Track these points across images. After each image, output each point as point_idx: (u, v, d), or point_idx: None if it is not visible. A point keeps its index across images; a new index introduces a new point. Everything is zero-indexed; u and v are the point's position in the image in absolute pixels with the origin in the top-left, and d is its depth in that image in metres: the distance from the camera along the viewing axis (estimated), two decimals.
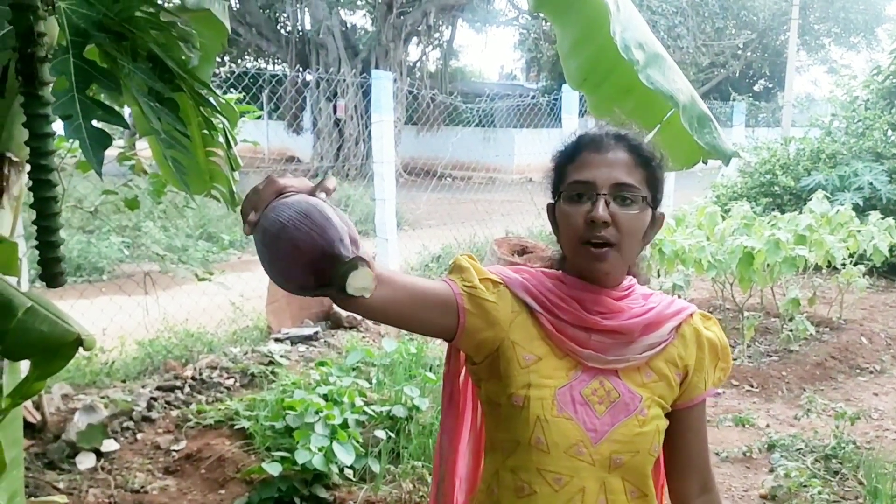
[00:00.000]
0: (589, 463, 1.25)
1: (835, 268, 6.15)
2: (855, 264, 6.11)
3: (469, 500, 1.43)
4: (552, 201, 1.34)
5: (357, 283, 0.97)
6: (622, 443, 1.26)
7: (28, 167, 1.35)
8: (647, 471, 1.31)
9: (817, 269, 6.37)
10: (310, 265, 1.00)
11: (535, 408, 1.24)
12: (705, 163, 1.93)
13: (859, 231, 6.21)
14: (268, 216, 1.00)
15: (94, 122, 1.26)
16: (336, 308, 5.93)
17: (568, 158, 1.30)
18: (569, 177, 1.28)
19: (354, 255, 1.01)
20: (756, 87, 28.17)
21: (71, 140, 2.74)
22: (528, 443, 1.25)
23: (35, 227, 1.35)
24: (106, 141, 1.24)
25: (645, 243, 1.31)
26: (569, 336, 1.27)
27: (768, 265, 5.33)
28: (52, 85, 1.33)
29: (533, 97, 11.24)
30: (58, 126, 1.35)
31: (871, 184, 8.68)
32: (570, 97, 8.29)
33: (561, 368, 1.26)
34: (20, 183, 1.57)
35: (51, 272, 1.37)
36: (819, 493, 3.40)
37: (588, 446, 1.24)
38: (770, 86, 28.71)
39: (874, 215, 6.63)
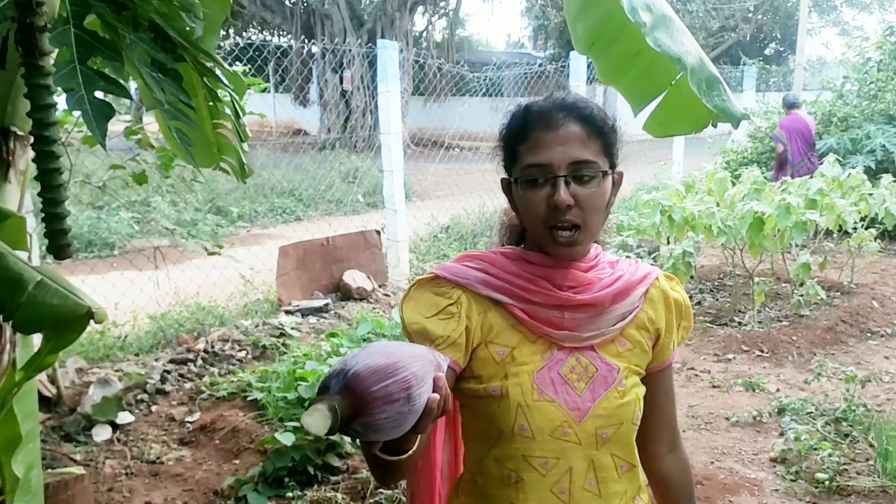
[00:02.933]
0: (575, 442, 1.23)
1: (846, 232, 6.12)
2: (866, 228, 6.06)
3: (453, 490, 1.40)
4: (506, 177, 1.29)
5: (311, 422, 0.88)
6: (605, 417, 1.24)
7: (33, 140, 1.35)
8: (632, 441, 1.30)
9: (828, 233, 6.34)
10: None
11: (514, 395, 1.21)
12: (714, 126, 1.90)
13: (871, 194, 6.15)
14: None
15: (97, 94, 1.25)
16: (346, 279, 5.95)
17: (518, 137, 1.24)
18: (523, 159, 1.22)
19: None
20: (767, 51, 27.80)
21: (77, 114, 2.74)
22: (511, 431, 1.22)
23: (41, 200, 1.35)
24: (109, 112, 1.23)
25: (609, 211, 1.28)
26: (542, 320, 1.24)
27: (779, 230, 5.30)
28: (53, 56, 1.32)
29: (540, 65, 11.15)
30: (62, 102, 1.34)
31: (883, 146, 8.58)
32: (577, 65, 8.20)
33: (536, 352, 1.24)
34: (26, 157, 1.57)
35: (57, 244, 1.37)
36: (829, 455, 3.41)
37: (573, 426, 1.22)
38: (781, 49, 28.31)
39: (886, 178, 6.56)
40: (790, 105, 8.47)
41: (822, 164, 6.89)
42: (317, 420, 0.88)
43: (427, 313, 1.23)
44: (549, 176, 1.19)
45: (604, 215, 1.26)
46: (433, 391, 0.95)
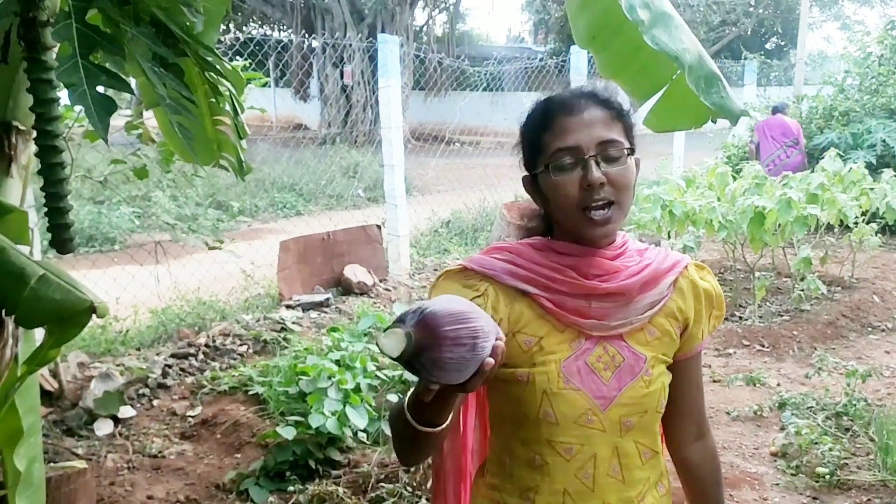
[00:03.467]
0: (600, 430, 1.24)
1: (847, 226, 6.12)
2: (867, 223, 6.06)
3: (478, 470, 1.43)
4: (527, 173, 1.31)
5: (386, 344, 0.95)
6: (630, 405, 1.25)
7: (35, 135, 1.35)
8: (656, 428, 1.32)
9: (829, 228, 6.34)
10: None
11: (540, 382, 1.23)
12: (714, 122, 1.90)
13: (872, 189, 6.16)
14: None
15: (99, 89, 1.25)
16: (346, 274, 5.96)
17: (542, 127, 1.26)
18: (550, 146, 1.24)
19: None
20: (768, 45, 27.72)
21: (78, 109, 2.73)
22: (536, 416, 1.24)
23: (43, 195, 1.35)
24: (111, 107, 1.23)
25: (634, 192, 1.30)
26: (569, 309, 1.25)
27: (780, 225, 5.30)
28: (55, 51, 1.32)
29: (541, 60, 11.12)
30: (65, 96, 1.34)
31: (884, 141, 8.59)
32: (578, 59, 8.19)
33: (564, 341, 1.25)
34: (28, 152, 1.57)
35: (60, 238, 1.37)
36: (830, 449, 3.42)
37: (598, 413, 1.24)
38: (782, 43, 28.23)
39: (887, 173, 6.56)
40: (774, 110, 9.17)
41: (821, 159, 6.89)
42: (393, 342, 0.95)
43: (463, 291, 1.24)
44: (580, 157, 1.21)
45: (632, 194, 1.27)
46: (491, 355, 0.99)
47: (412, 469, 3.22)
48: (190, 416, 3.84)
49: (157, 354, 4.49)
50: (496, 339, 1.00)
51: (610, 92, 1.28)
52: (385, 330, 0.96)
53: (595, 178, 1.20)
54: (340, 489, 3.12)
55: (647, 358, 1.27)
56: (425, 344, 0.95)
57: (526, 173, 1.32)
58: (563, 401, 1.23)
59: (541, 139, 1.26)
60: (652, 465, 1.31)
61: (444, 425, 1.08)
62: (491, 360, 0.98)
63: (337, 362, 3.62)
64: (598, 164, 1.21)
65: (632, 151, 1.26)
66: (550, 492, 1.26)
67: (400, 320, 0.98)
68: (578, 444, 1.24)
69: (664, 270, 1.31)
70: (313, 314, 5.38)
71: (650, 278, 1.28)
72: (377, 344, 0.96)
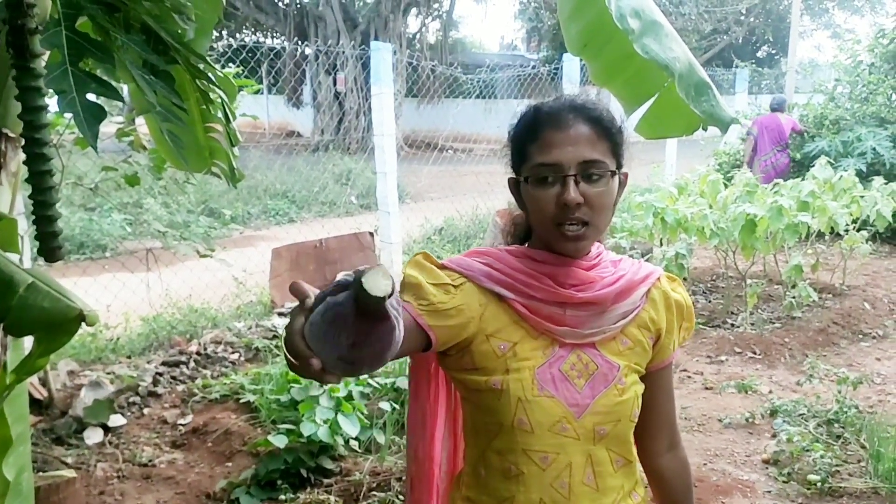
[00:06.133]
0: (574, 438, 1.25)
1: (838, 234, 6.14)
2: (858, 230, 6.09)
3: (452, 482, 1.42)
4: (513, 176, 1.31)
5: (373, 282, 0.84)
6: (604, 414, 1.26)
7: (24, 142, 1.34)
8: (629, 437, 1.32)
9: (820, 235, 6.36)
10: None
11: (514, 390, 1.23)
12: (705, 129, 1.91)
13: (862, 197, 6.19)
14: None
15: (89, 96, 1.24)
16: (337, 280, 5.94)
17: (529, 137, 1.26)
18: (532, 158, 1.24)
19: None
20: (759, 54, 27.88)
21: (69, 116, 2.72)
22: (510, 425, 1.24)
23: (32, 202, 1.34)
24: (100, 114, 1.23)
25: (614, 210, 1.30)
26: (543, 316, 1.25)
27: (771, 232, 5.32)
28: (45, 58, 1.32)
29: (534, 67, 11.16)
30: (53, 104, 1.34)
31: (874, 149, 8.64)
32: (571, 66, 8.22)
33: (538, 348, 1.25)
34: (18, 159, 1.56)
35: (49, 246, 1.36)
36: (821, 457, 3.42)
37: (571, 421, 1.24)
38: (773, 52, 28.41)
39: (877, 181, 6.60)
40: (773, 108, 9.38)
41: (811, 167, 6.94)
42: (378, 279, 0.84)
43: (428, 279, 1.24)
44: (560, 175, 1.21)
45: (610, 214, 1.28)
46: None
47: (404, 477, 3.20)
48: (181, 425, 3.81)
49: (148, 362, 4.47)
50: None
51: (600, 107, 1.27)
52: (361, 271, 0.85)
53: (571, 199, 1.20)
54: (332, 498, 3.11)
55: (621, 367, 1.28)
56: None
57: (512, 175, 1.32)
58: (537, 408, 1.23)
59: (526, 148, 1.26)
60: (625, 473, 1.32)
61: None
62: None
63: None
64: (577, 183, 1.21)
65: (616, 171, 1.26)
66: (527, 502, 1.26)
67: (343, 283, 0.89)
68: (553, 452, 1.25)
69: (637, 281, 1.32)
70: None
71: (624, 288, 1.29)
72: (361, 285, 0.83)
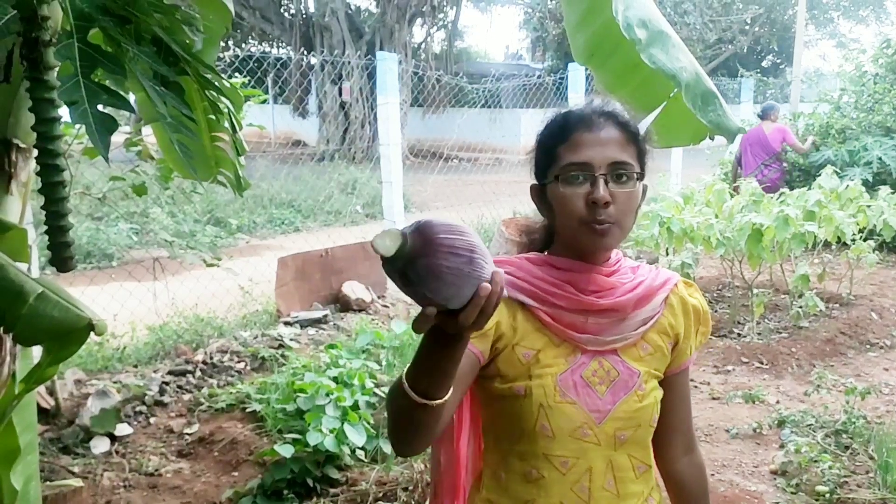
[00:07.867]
0: (595, 443, 1.27)
1: (844, 244, 6.12)
2: (864, 240, 6.07)
3: (474, 485, 1.43)
4: (536, 182, 1.33)
5: (380, 244, 0.90)
6: (624, 419, 1.28)
7: (35, 153, 1.35)
8: (648, 442, 1.35)
9: (827, 245, 6.35)
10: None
11: (537, 396, 1.25)
12: (712, 139, 1.92)
13: (869, 206, 6.17)
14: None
15: (100, 107, 1.25)
16: (345, 290, 5.95)
17: (559, 139, 1.28)
18: (563, 158, 1.26)
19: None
20: (764, 63, 27.91)
21: (77, 126, 2.74)
22: (532, 430, 1.26)
23: (44, 213, 1.35)
24: (112, 126, 1.24)
25: (636, 217, 1.32)
26: (566, 323, 1.27)
27: (777, 242, 5.31)
28: (57, 70, 1.33)
29: (539, 77, 11.17)
30: (65, 113, 1.35)
31: (880, 159, 8.62)
32: (576, 76, 8.23)
33: (560, 355, 1.28)
34: (28, 169, 1.57)
35: (60, 257, 1.37)
36: (829, 467, 3.40)
37: (593, 427, 1.26)
38: (778, 61, 28.42)
39: (884, 190, 6.58)
40: (759, 115, 8.82)
41: (817, 176, 6.91)
42: (386, 241, 0.90)
43: None
44: (590, 174, 1.24)
45: (634, 217, 1.30)
46: (490, 282, 0.95)
47: (411, 487, 3.20)
48: (187, 434, 3.82)
49: (155, 371, 4.47)
50: (496, 267, 0.96)
51: (628, 116, 1.31)
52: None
53: (601, 197, 1.22)
54: None
55: (641, 373, 1.30)
56: (421, 250, 0.91)
57: (535, 182, 1.34)
58: (559, 414, 1.25)
59: (555, 150, 1.28)
60: (645, 479, 1.34)
61: (441, 399, 1.06)
62: (488, 286, 0.93)
63: (335, 379, 3.61)
64: (606, 183, 1.23)
65: (641, 176, 1.28)
66: None
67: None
68: (574, 457, 1.27)
69: (656, 287, 1.34)
70: (311, 331, 5.37)
71: (644, 295, 1.31)
72: (372, 245, 0.90)
